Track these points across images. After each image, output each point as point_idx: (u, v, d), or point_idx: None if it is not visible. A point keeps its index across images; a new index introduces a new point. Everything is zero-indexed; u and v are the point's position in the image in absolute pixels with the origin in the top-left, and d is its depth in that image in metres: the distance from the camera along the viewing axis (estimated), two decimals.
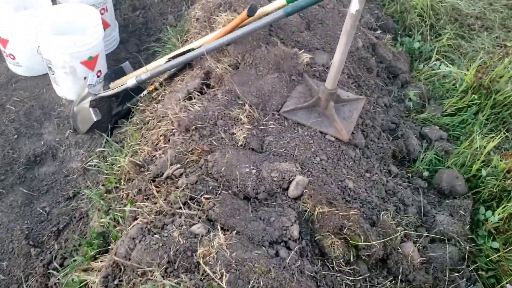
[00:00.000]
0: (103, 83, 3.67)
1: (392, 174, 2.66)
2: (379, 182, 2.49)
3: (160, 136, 2.58)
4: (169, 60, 3.25)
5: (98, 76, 3.63)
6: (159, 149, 2.49)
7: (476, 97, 3.15)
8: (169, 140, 2.49)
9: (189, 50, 3.14)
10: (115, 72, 3.79)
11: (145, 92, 3.28)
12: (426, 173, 2.75)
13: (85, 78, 3.55)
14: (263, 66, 2.74)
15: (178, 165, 2.21)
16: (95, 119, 3.24)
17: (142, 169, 2.41)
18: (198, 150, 2.25)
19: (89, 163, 3.14)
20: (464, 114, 3.15)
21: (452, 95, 3.32)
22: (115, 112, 3.51)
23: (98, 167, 2.88)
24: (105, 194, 2.69)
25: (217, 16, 3.20)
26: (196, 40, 3.22)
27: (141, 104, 3.18)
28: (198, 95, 2.62)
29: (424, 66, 3.63)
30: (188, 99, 2.68)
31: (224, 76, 2.70)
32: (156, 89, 3.20)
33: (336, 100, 2.64)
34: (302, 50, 3.05)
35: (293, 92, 2.73)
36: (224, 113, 2.43)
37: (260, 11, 2.86)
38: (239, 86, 2.61)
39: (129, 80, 3.15)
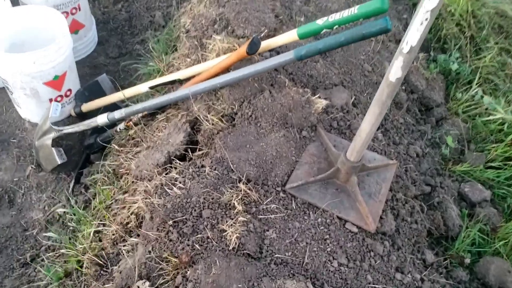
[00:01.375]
0: (73, 104, 3.07)
1: (427, 263, 2.09)
2: (412, 285, 1.92)
3: (132, 214, 2.00)
4: (150, 89, 2.63)
5: (67, 96, 3.00)
6: (127, 239, 1.91)
7: None
8: (141, 224, 1.92)
9: (174, 81, 2.51)
10: (89, 89, 3.17)
11: (121, 127, 2.67)
12: (468, 260, 2.18)
13: (50, 100, 2.93)
14: (266, 120, 2.11)
15: (148, 283, 1.64)
16: (58, 162, 2.65)
17: (104, 270, 1.84)
18: (175, 259, 1.67)
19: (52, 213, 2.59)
20: None
21: (498, 139, 2.69)
22: (87, 143, 2.91)
23: (56, 240, 2.31)
24: (63, 278, 2.15)
25: (210, 37, 2.53)
26: (183, 67, 2.57)
27: (115, 145, 2.57)
28: (180, 164, 2.00)
29: (463, 94, 2.97)
30: (169, 162, 2.07)
31: (216, 135, 2.08)
32: (135, 124, 2.58)
33: (360, 169, 2.03)
34: (317, 90, 2.40)
35: (303, 155, 2.11)
36: (213, 198, 1.83)
37: (265, 44, 2.20)
38: (234, 152, 1.99)
39: (100, 118, 2.54)
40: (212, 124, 2.12)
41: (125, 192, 2.23)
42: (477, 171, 2.56)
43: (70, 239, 2.26)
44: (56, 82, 2.85)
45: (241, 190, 1.88)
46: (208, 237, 1.73)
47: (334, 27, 1.96)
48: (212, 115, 2.18)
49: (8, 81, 2.80)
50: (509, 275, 2.08)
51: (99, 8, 3.79)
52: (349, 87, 2.51)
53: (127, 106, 2.55)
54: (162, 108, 2.46)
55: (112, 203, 2.27)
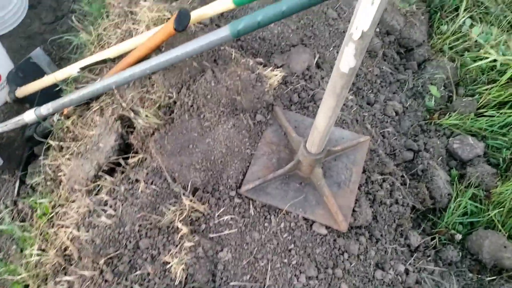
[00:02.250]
0: (7, 89, 2.70)
1: (412, 248, 1.85)
2: (395, 280, 1.70)
3: (68, 238, 1.73)
4: (81, 70, 2.25)
5: None
6: (67, 269, 1.66)
7: None
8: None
9: (105, 61, 2.13)
10: (22, 68, 2.77)
11: (55, 118, 2.32)
12: (459, 236, 1.93)
13: None
14: (211, 109, 1.76)
15: None
16: None
17: None
18: None
19: None
20: (508, 112, 2.21)
21: (491, 79, 2.33)
22: (27, 135, 2.58)
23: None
24: None
25: (139, 3, 2.09)
26: (114, 40, 2.17)
27: (52, 142, 2.24)
28: (111, 181, 1.69)
29: (448, 25, 2.55)
30: (99, 175, 1.76)
31: (151, 137, 1.74)
32: (67, 116, 2.24)
33: (326, 154, 1.71)
34: (271, 56, 2.02)
35: (260, 145, 1.79)
36: (151, 223, 1.55)
37: (196, 15, 1.78)
38: (174, 157, 1.67)
39: (27, 114, 2.19)
40: (147, 121, 1.77)
41: (66, 203, 1.95)
42: (467, 121, 2.23)
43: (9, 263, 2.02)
44: None
45: (185, 206, 1.58)
46: (148, 274, 1.47)
47: None
48: (146, 108, 1.83)
49: None
50: (505, 251, 1.85)
51: None
52: (311, 44, 2.11)
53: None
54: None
55: (53, 216, 2.00)
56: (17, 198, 2.39)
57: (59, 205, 1.96)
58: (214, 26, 1.98)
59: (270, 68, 1.88)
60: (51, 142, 2.24)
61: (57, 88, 2.38)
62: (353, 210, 1.71)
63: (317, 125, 1.45)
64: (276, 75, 1.87)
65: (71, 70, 2.28)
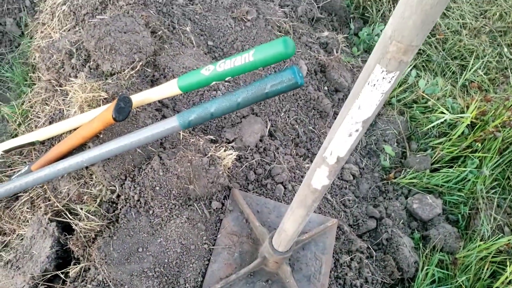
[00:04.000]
0: None
1: None
2: None
3: None
4: (5, 153, 1.99)
5: None
6: None
7: (479, 145, 2.17)
8: None
9: (33, 143, 1.89)
10: None
11: None
12: None
13: None
14: (160, 203, 1.57)
15: None
16: None
17: None
18: None
19: None
20: (462, 168, 2.19)
21: (441, 133, 2.32)
22: None
23: None
24: None
25: (69, 78, 1.87)
26: (43, 118, 1.94)
27: None
28: None
29: None
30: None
31: (93, 241, 1.52)
32: None
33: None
34: (222, 130, 1.87)
35: (219, 236, 1.62)
36: None
37: (138, 100, 1.59)
38: (122, 266, 1.46)
39: None
40: (87, 222, 1.54)
41: None
42: (423, 178, 2.19)
43: None
44: None
45: None
46: None
47: (226, 78, 1.39)
48: (85, 205, 1.61)
49: None
50: None
51: None
52: (262, 112, 1.98)
53: None
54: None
55: None
56: None
57: None
58: (157, 104, 1.80)
59: (223, 148, 1.72)
60: None
61: None
62: None
63: (285, 229, 1.30)
64: (230, 155, 1.72)
65: None
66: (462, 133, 2.24)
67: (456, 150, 2.21)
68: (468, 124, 2.22)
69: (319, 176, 1.03)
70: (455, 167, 2.20)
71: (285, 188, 1.82)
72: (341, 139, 0.91)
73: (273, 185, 1.81)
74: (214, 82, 1.42)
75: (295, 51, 1.27)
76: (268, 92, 1.28)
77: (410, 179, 2.18)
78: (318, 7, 2.73)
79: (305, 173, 1.90)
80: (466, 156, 2.23)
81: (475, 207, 2.16)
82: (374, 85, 0.78)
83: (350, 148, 0.93)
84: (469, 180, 2.20)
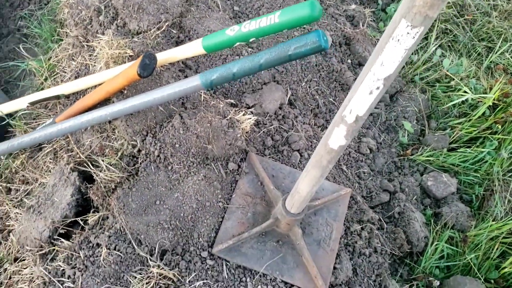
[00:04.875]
0: None
1: None
2: None
3: None
4: (31, 105, 2.05)
5: None
6: None
7: (499, 127, 2.15)
8: None
9: (58, 96, 1.94)
10: None
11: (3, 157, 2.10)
12: (437, 282, 1.88)
13: None
14: (179, 160, 1.61)
15: None
16: None
17: None
18: None
19: None
20: (480, 149, 2.18)
21: (462, 113, 2.31)
22: None
23: None
24: None
25: (96, 35, 1.91)
26: (69, 73, 1.98)
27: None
28: (68, 245, 1.51)
29: (419, 54, 2.51)
30: (54, 236, 1.58)
31: (113, 192, 1.57)
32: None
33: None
34: (243, 95, 1.89)
35: (234, 196, 1.66)
36: None
37: (163, 59, 1.62)
38: (139, 217, 1.52)
39: None
40: (108, 174, 1.60)
41: (15, 260, 1.75)
42: (440, 156, 2.19)
43: None
44: None
45: (153, 273, 1.43)
46: None
47: (250, 40, 1.41)
48: (107, 157, 1.66)
49: None
50: None
51: None
52: (283, 81, 2.00)
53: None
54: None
55: (0, 272, 1.79)
56: None
57: (7, 261, 1.76)
58: (181, 64, 1.82)
59: (242, 112, 1.75)
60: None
61: (4, 122, 2.16)
62: (334, 268, 1.61)
63: (299, 190, 1.33)
64: (249, 119, 1.74)
65: (20, 104, 2.08)
66: (483, 114, 2.22)
67: (475, 130, 2.20)
68: (489, 106, 2.20)
69: (336, 136, 1.05)
70: (473, 148, 2.20)
71: (301, 155, 1.84)
72: (361, 96, 0.92)
73: (289, 152, 1.84)
74: (238, 43, 1.43)
75: (321, 15, 1.28)
76: (291, 55, 1.29)
77: (427, 156, 2.18)
78: None
79: None
80: (485, 137, 2.22)
81: (490, 189, 2.16)
82: (398, 40, 0.79)
83: (370, 107, 0.94)
84: (486, 161, 2.20)
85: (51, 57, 2.15)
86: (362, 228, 1.79)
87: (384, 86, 0.89)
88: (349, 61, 2.29)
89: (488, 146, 2.18)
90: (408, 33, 0.78)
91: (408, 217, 1.95)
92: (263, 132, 1.83)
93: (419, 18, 0.74)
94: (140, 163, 1.63)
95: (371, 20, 2.52)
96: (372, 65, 0.87)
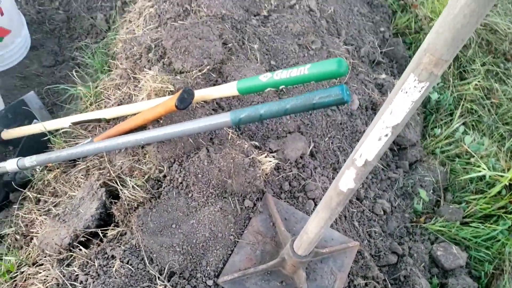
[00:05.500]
0: None
1: None
2: None
3: None
4: (73, 125, 2.21)
5: None
6: None
7: None
8: None
9: (99, 119, 2.10)
10: (13, 110, 2.72)
11: (39, 168, 2.25)
12: None
13: None
14: (200, 189, 1.71)
15: None
16: None
17: None
18: None
19: None
20: (493, 226, 2.20)
21: (478, 190, 2.35)
22: (5, 180, 2.48)
23: None
24: None
25: (144, 68, 2.09)
26: (113, 100, 2.15)
27: (30, 193, 2.15)
28: (85, 252, 1.61)
29: (442, 128, 2.60)
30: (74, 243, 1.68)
31: (135, 211, 1.68)
32: (50, 170, 2.18)
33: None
34: (267, 140, 2.01)
35: (246, 232, 1.74)
36: None
37: (200, 95, 1.78)
38: (155, 237, 1.61)
39: (10, 163, 2.13)
40: (133, 193, 1.71)
41: (33, 264, 1.85)
42: (452, 229, 2.22)
43: None
44: None
45: None
46: None
47: (280, 87, 1.55)
48: (135, 178, 1.78)
49: None
50: None
51: (33, 5, 3.27)
52: (308, 132, 2.12)
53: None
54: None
55: (17, 275, 1.88)
56: None
57: (26, 264, 1.86)
58: (215, 104, 1.97)
59: (265, 154, 1.86)
60: (28, 193, 2.17)
61: (45, 138, 2.33)
62: None
63: (307, 231, 1.41)
64: (270, 162, 1.85)
65: (63, 123, 2.25)
66: (499, 192, 2.26)
67: (490, 208, 2.24)
68: (506, 185, 2.25)
69: (346, 178, 1.14)
70: (487, 225, 2.22)
71: (315, 204, 1.92)
72: (371, 142, 1.02)
73: (304, 199, 1.92)
74: (269, 89, 1.57)
75: (347, 72, 1.41)
76: (316, 103, 1.42)
77: (440, 227, 2.22)
78: (381, 52, 2.87)
79: None
80: (499, 215, 2.25)
81: (500, 268, 2.16)
82: (407, 92, 0.90)
83: (378, 152, 1.04)
84: (499, 240, 2.21)
85: (98, 85, 2.34)
86: (366, 284, 1.82)
87: (392, 134, 0.99)
88: None
89: (502, 225, 2.21)
90: (415, 86, 0.89)
91: (413, 281, 1.97)
92: (282, 176, 1.92)
93: (425, 74, 0.85)
94: (164, 188, 1.74)
95: None
96: (383, 114, 0.98)
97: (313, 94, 1.42)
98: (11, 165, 2.10)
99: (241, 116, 1.54)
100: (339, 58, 1.41)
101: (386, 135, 1.00)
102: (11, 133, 2.54)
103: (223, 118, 1.58)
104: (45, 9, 3.29)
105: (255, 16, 2.39)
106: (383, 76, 2.62)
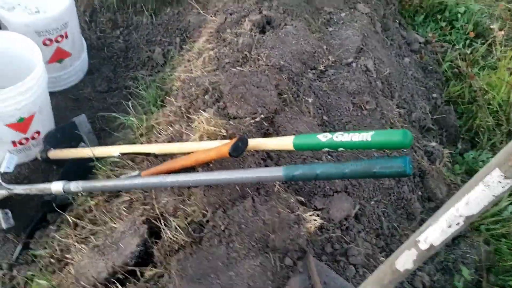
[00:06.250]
0: (41, 146, 2.69)
1: None
2: None
3: None
4: (122, 155, 2.23)
5: (34, 138, 2.62)
6: None
7: None
8: None
9: (147, 154, 2.11)
10: (63, 131, 2.79)
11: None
12: None
13: (14, 142, 2.54)
14: (242, 240, 1.69)
15: None
16: (3, 227, 2.27)
17: None
18: None
19: None
20: None
21: None
22: (45, 199, 2.51)
23: None
24: None
25: (199, 110, 2.12)
26: (164, 136, 2.17)
27: (70, 217, 2.17)
28: None
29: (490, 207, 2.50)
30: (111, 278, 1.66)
31: (175, 253, 1.66)
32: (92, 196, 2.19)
33: None
34: (313, 197, 1.98)
35: None
36: None
37: (253, 144, 1.78)
38: (193, 284, 1.58)
39: (55, 185, 2.16)
40: (175, 234, 1.70)
41: None
42: None
43: None
44: (21, 124, 2.47)
45: None
46: None
47: (339, 149, 1.53)
48: (178, 219, 1.77)
49: None
50: None
51: (95, 31, 3.40)
52: (354, 194, 2.08)
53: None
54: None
55: None
56: (15, 263, 2.29)
57: None
58: (264, 154, 1.97)
59: (310, 212, 1.83)
60: (67, 216, 2.18)
61: (91, 163, 2.37)
62: None
63: None
64: (315, 221, 1.82)
65: (112, 151, 2.28)
66: None
67: None
68: None
69: (405, 258, 1.10)
70: None
71: (356, 271, 1.86)
72: (440, 227, 0.99)
73: (346, 264, 1.86)
74: (326, 149, 1.56)
75: (411, 144, 1.39)
76: (376, 172, 1.39)
77: None
78: (432, 118, 2.84)
79: (378, 264, 1.93)
80: None
81: None
82: (488, 185, 0.87)
83: (445, 239, 1.00)
84: None
85: (151, 118, 2.38)
86: None
87: (464, 224, 0.95)
88: (420, 193, 2.35)
89: None
90: (499, 181, 0.86)
91: None
92: (325, 237, 1.88)
93: None
94: (206, 233, 1.72)
95: (448, 161, 2.60)
96: (457, 202, 0.95)
97: (374, 162, 1.39)
98: (56, 187, 2.13)
99: (295, 173, 1.53)
100: (404, 130, 1.39)
101: (458, 224, 0.97)
102: (58, 154, 2.60)
103: (276, 172, 1.57)
104: (106, 36, 3.41)
105: (312, 69, 2.41)
106: (433, 144, 2.58)
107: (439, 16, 3.56)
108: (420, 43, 3.29)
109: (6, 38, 2.52)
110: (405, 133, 1.38)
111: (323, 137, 1.55)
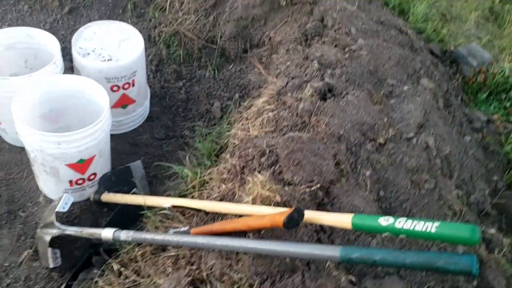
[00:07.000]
0: (95, 188, 2.76)
1: None
2: None
3: None
4: (172, 208, 2.25)
5: (90, 180, 2.69)
6: None
7: None
8: None
9: (198, 210, 2.12)
10: (117, 174, 2.86)
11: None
12: None
13: (71, 182, 2.62)
14: None
15: None
16: (50, 266, 2.31)
17: None
18: None
19: None
20: None
21: None
22: (94, 242, 2.54)
23: None
24: None
25: (254, 171, 2.12)
26: (216, 194, 2.18)
27: (115, 265, 2.17)
28: None
29: None
30: None
31: None
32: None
33: None
34: (364, 278, 1.90)
35: None
36: None
37: (309, 216, 1.74)
38: None
39: (106, 232, 2.19)
40: None
41: None
42: None
43: None
44: (81, 165, 2.56)
45: None
46: None
47: (400, 236, 1.47)
48: (223, 284, 1.73)
49: (29, 154, 2.54)
50: None
51: (159, 80, 3.54)
52: (407, 278, 1.97)
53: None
54: None
55: None
56: None
57: None
58: (318, 227, 1.92)
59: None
60: (113, 263, 2.19)
61: (141, 211, 2.39)
62: None
63: None
64: None
65: (163, 202, 2.30)
66: None
67: None
68: None
69: None
70: None
71: None
72: None
73: None
74: (386, 234, 1.50)
75: (479, 242, 1.31)
76: (439, 267, 1.31)
77: None
78: (491, 202, 2.71)
79: None
80: None
81: None
82: None
83: None
84: None
85: (205, 173, 2.40)
86: None
87: None
88: (475, 283, 2.21)
89: None
90: None
91: None
92: None
93: None
94: None
95: (508, 251, 2.44)
96: None
97: (438, 256, 1.32)
98: (106, 234, 2.16)
99: (352, 256, 1.47)
100: (473, 226, 1.32)
101: None
102: (111, 198, 2.65)
103: (332, 251, 1.52)
104: (169, 86, 3.53)
105: (371, 141, 2.38)
106: (492, 231, 2.44)
107: (503, 96, 3.48)
108: (482, 121, 3.21)
109: (80, 82, 2.66)
110: (474, 230, 1.31)
111: (384, 221, 1.50)
